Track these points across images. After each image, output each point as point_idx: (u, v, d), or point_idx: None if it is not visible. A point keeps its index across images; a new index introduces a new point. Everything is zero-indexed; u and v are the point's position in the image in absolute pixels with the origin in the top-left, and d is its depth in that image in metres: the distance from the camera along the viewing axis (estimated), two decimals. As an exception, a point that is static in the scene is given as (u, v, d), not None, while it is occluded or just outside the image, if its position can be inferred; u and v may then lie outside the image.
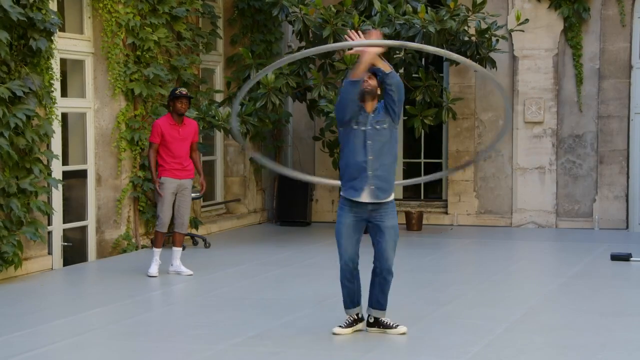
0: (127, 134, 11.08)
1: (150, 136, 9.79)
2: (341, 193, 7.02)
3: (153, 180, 9.74)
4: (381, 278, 6.97)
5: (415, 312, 7.76)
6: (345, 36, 7.03)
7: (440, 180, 14.44)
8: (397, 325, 7.05)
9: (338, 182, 7.55)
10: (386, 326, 7.05)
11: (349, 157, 6.91)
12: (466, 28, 12.31)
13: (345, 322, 7.07)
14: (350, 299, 7.06)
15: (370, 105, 6.92)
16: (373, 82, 6.91)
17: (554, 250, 12.05)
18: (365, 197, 6.86)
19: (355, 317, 7.08)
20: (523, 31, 13.16)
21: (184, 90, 9.72)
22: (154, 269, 9.66)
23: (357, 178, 6.86)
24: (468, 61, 7.37)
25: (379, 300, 7.02)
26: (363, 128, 6.87)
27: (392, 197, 7.01)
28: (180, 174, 9.69)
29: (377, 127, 6.89)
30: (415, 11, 12.12)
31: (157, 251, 9.74)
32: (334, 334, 6.99)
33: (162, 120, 9.73)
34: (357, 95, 6.82)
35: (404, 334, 7.00)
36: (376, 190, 6.86)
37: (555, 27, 13.52)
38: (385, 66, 6.87)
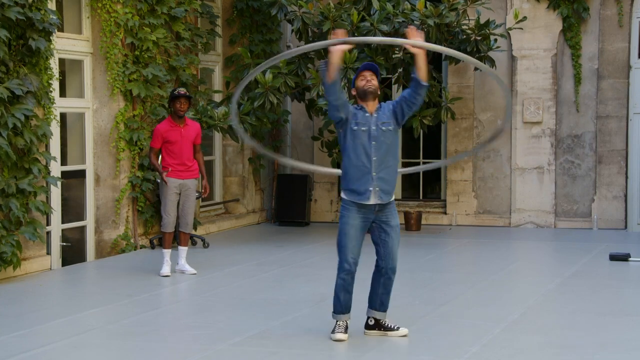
0: (126, 134, 11.09)
1: (151, 141, 9.81)
2: (344, 195, 6.85)
3: (160, 174, 9.67)
4: (386, 278, 6.89)
5: (413, 312, 7.76)
6: (408, 30, 6.87)
7: (439, 180, 14.45)
8: (399, 327, 7.00)
9: (338, 171, 7.43)
10: (387, 328, 6.97)
11: (352, 159, 6.75)
12: (465, 22, 12.32)
13: (342, 327, 6.89)
14: (347, 304, 6.89)
15: (371, 105, 6.79)
16: (375, 82, 6.77)
17: (553, 250, 12.04)
18: (371, 199, 6.76)
19: (347, 323, 6.95)
20: (522, 29, 13.17)
21: (182, 90, 9.71)
22: (166, 269, 9.70)
23: (360, 180, 6.73)
24: (485, 67, 7.31)
25: (382, 301, 6.94)
26: (364, 128, 6.73)
27: (394, 197, 6.97)
28: (184, 175, 9.71)
29: (383, 128, 6.77)
30: (413, 8, 12.12)
31: (167, 252, 9.75)
32: (338, 340, 6.83)
33: (163, 125, 9.73)
34: (339, 92, 6.65)
35: (405, 336, 6.95)
36: (380, 192, 6.76)
37: (554, 27, 13.52)
38: (424, 75, 6.75)
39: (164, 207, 9.72)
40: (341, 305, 6.89)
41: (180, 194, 9.73)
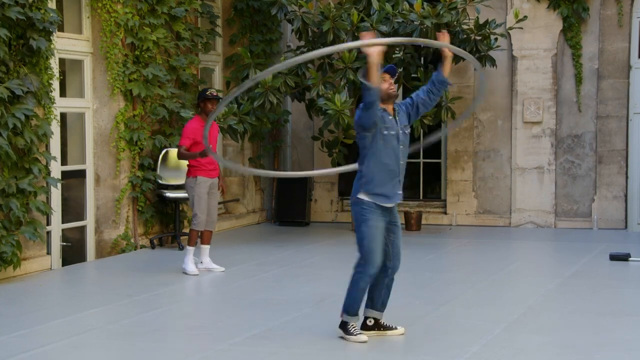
0: (126, 134, 11.09)
1: (181, 139, 9.71)
2: (368, 198, 6.74)
3: (201, 153, 9.41)
4: (391, 279, 6.92)
5: (413, 312, 7.76)
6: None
7: (439, 180, 14.46)
8: (396, 327, 7.01)
9: (334, 170, 7.38)
10: (387, 328, 6.98)
11: (380, 162, 6.70)
12: (466, 21, 12.33)
13: (358, 328, 6.89)
14: (360, 303, 6.87)
15: (390, 108, 6.78)
16: (394, 86, 6.81)
17: (553, 250, 12.05)
18: (393, 202, 6.82)
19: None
20: (522, 28, 13.18)
21: (214, 92, 9.78)
22: (193, 268, 9.69)
23: (388, 183, 6.74)
24: (470, 57, 7.31)
25: (384, 301, 6.95)
26: (393, 132, 6.72)
27: None
28: (213, 173, 9.83)
29: (406, 131, 6.83)
30: (412, 9, 12.13)
31: (191, 249, 9.76)
32: (363, 341, 6.78)
33: (194, 124, 9.73)
34: (378, 98, 6.60)
35: (403, 334, 6.98)
36: (400, 194, 6.87)
37: (554, 27, 13.53)
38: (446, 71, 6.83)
39: (198, 205, 9.71)
40: (359, 307, 6.84)
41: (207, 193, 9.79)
